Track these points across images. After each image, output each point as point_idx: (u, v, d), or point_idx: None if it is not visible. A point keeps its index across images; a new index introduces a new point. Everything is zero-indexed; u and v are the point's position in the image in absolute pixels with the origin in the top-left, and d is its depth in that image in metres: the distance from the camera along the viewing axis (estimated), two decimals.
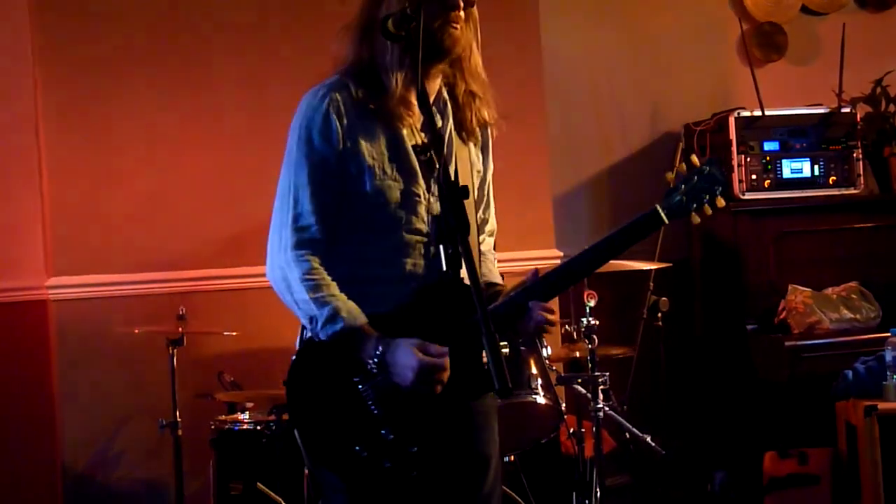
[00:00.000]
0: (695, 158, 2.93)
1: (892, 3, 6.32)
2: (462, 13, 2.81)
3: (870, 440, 4.60)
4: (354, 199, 2.84)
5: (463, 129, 2.98)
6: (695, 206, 2.90)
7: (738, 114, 5.49)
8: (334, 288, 2.80)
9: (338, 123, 2.82)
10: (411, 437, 2.79)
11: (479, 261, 3.04)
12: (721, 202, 2.92)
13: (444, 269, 2.48)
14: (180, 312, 4.80)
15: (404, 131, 2.86)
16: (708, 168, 2.92)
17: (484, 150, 3.09)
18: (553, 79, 5.75)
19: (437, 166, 2.72)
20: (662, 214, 2.89)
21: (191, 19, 5.24)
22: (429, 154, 2.87)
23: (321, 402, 2.82)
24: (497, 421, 3.07)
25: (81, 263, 5.09)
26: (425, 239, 2.88)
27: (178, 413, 4.77)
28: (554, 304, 2.92)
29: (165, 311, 4.92)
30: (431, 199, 2.88)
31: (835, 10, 6.24)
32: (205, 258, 5.23)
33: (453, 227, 2.47)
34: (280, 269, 2.84)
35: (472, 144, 3.02)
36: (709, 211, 2.91)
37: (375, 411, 2.78)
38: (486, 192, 3.11)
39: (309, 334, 2.85)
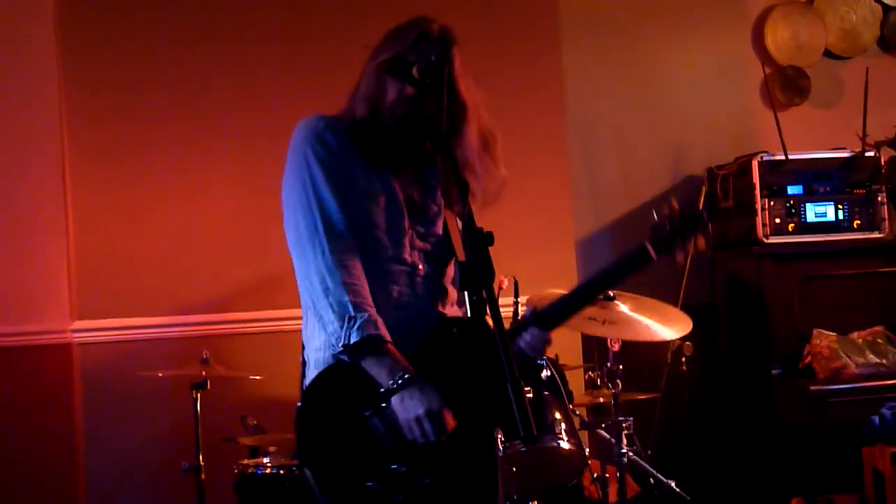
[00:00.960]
0: (674, 201, 2.99)
1: None
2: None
3: None
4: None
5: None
6: (680, 242, 2.96)
7: (762, 157, 5.49)
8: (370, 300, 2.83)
9: (334, 140, 2.91)
10: (422, 469, 2.80)
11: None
12: (701, 244, 3.01)
13: (469, 314, 2.49)
14: (204, 356, 4.81)
15: (393, 170, 2.94)
16: (690, 212, 2.97)
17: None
18: (575, 121, 5.77)
19: (422, 204, 2.91)
20: (651, 251, 2.95)
21: (217, 67, 5.28)
22: (417, 196, 2.96)
23: (330, 439, 2.83)
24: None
25: (106, 307, 5.11)
26: (409, 269, 2.94)
27: (201, 457, 4.77)
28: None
29: (189, 354, 4.92)
30: (414, 235, 2.95)
31: (858, 53, 6.25)
32: (228, 302, 5.25)
33: (478, 275, 2.48)
34: (318, 273, 2.83)
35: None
36: (691, 251, 2.97)
37: (385, 445, 2.79)
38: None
39: (315, 372, 2.87)
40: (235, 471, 4.63)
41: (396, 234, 2.91)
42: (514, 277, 4.52)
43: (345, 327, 2.78)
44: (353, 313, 2.78)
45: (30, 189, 5.21)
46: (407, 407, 2.74)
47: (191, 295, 5.20)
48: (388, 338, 2.79)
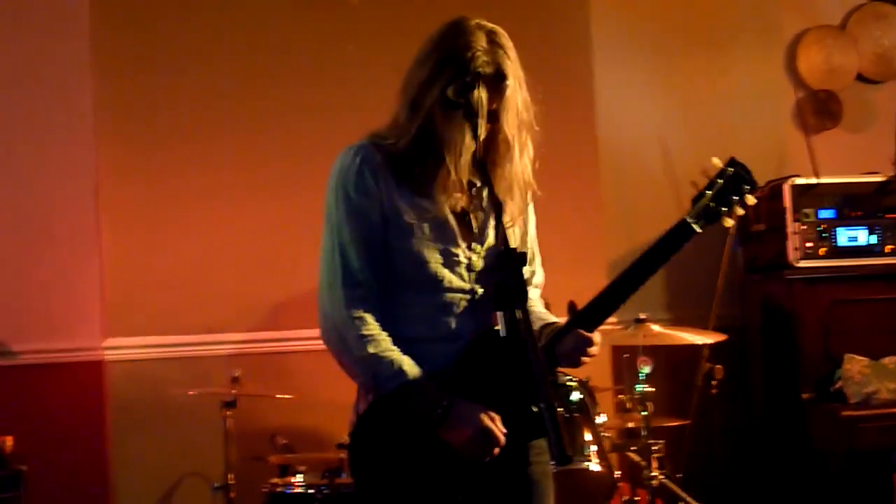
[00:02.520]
0: (715, 160, 2.90)
1: None
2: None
3: None
4: (397, 255, 2.82)
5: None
6: (724, 209, 2.89)
7: (794, 181, 5.46)
8: (392, 343, 2.78)
9: (372, 180, 2.80)
10: (480, 491, 2.76)
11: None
12: (751, 199, 2.90)
13: (503, 335, 2.48)
14: (234, 375, 4.82)
15: (441, 196, 2.82)
16: (732, 168, 2.89)
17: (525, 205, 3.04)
18: (608, 146, 5.77)
19: (478, 225, 2.82)
20: (693, 224, 2.88)
21: (247, 89, 5.32)
22: (467, 217, 2.87)
23: (388, 471, 2.79)
24: (552, 487, 3.04)
25: (137, 325, 5.14)
26: (468, 296, 2.87)
27: (230, 476, 4.78)
28: (597, 336, 2.90)
29: (220, 373, 4.94)
30: (473, 257, 2.87)
31: (890, 78, 6.24)
32: (259, 321, 5.27)
33: (512, 295, 2.47)
34: (335, 329, 2.81)
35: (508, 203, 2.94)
36: (740, 211, 2.89)
37: (449, 477, 2.74)
38: (528, 247, 3.06)
39: (367, 394, 2.83)
40: (265, 490, 4.64)
41: (450, 263, 2.84)
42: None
43: (373, 382, 2.78)
44: (375, 369, 2.75)
45: (64, 211, 5.25)
46: (456, 433, 2.71)
47: (222, 313, 5.22)
48: (417, 373, 2.75)
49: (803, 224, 5.44)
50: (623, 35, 5.91)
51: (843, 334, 5.40)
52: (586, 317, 2.85)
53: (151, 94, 5.23)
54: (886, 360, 5.32)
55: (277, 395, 4.89)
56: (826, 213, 5.50)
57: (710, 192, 2.89)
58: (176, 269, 5.21)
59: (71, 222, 5.25)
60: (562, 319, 2.92)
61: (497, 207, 2.60)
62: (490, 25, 2.82)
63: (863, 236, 5.50)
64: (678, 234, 2.89)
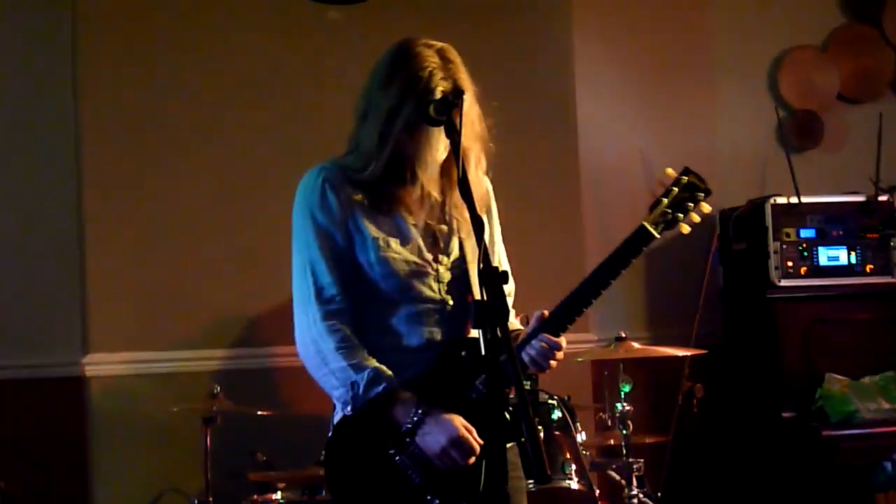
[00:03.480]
0: (670, 170, 2.96)
1: None
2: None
3: None
4: (366, 269, 2.88)
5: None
6: (681, 215, 2.93)
7: (775, 200, 5.48)
8: (367, 353, 2.84)
9: (335, 199, 2.88)
10: (455, 496, 2.80)
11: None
12: (706, 207, 2.95)
13: (484, 353, 2.47)
14: (214, 391, 4.80)
15: (406, 212, 2.91)
16: (686, 177, 2.94)
17: (488, 215, 3.08)
18: (588, 166, 5.76)
19: (442, 238, 2.90)
20: (651, 229, 2.92)
21: (228, 105, 5.32)
22: (432, 231, 2.93)
23: (363, 479, 2.82)
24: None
25: (119, 341, 5.12)
26: (438, 307, 2.92)
27: (210, 493, 4.75)
28: (563, 340, 2.90)
29: (200, 389, 4.92)
30: (441, 269, 2.93)
31: (871, 98, 6.25)
32: (239, 337, 5.25)
33: (493, 313, 2.47)
34: (313, 343, 2.86)
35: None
36: (696, 218, 2.94)
37: (416, 480, 2.79)
38: (494, 253, 3.10)
39: (340, 415, 2.85)
40: None
41: (418, 274, 2.90)
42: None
43: (350, 393, 2.81)
44: (354, 377, 2.80)
45: (44, 225, 5.23)
46: (430, 442, 2.76)
47: (202, 330, 5.21)
48: (393, 383, 2.80)
49: (784, 243, 5.45)
50: (605, 53, 5.91)
51: (823, 353, 5.41)
52: (553, 321, 2.87)
53: (135, 109, 5.23)
54: (866, 380, 5.33)
55: (258, 412, 4.87)
56: (807, 233, 5.50)
57: (667, 200, 2.95)
58: (157, 285, 5.19)
59: (51, 240, 5.22)
60: (524, 328, 2.97)
61: (479, 225, 2.60)
62: (438, 44, 2.89)
63: (843, 256, 5.52)
64: (638, 239, 2.94)
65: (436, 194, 2.93)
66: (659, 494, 4.97)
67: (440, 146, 2.81)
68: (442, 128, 2.74)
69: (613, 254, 2.92)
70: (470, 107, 2.84)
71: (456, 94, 2.72)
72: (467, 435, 2.75)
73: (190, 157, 5.26)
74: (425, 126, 2.78)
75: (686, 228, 2.94)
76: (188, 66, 5.30)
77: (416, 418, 2.77)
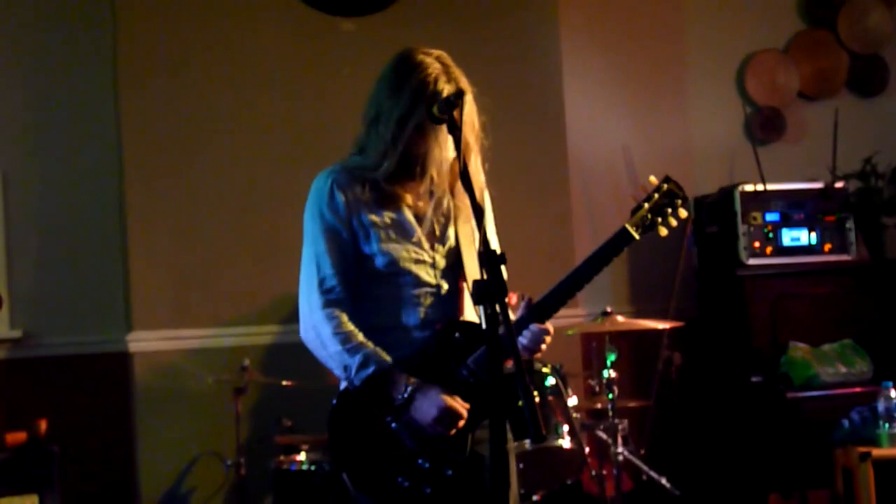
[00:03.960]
0: (652, 178, 2.94)
1: (879, 89, 6.31)
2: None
3: (865, 483, 4.55)
4: (367, 260, 2.90)
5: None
6: (660, 220, 2.90)
7: (743, 188, 5.47)
8: (362, 337, 2.85)
9: (342, 197, 2.89)
10: (445, 462, 2.82)
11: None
12: (683, 213, 2.92)
13: (484, 327, 2.47)
14: (244, 364, 4.81)
15: (399, 201, 2.92)
16: (666, 185, 2.92)
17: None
18: (576, 158, 5.75)
19: (439, 226, 2.90)
20: (632, 231, 2.88)
21: (260, 95, 5.32)
22: (430, 222, 2.94)
23: (361, 442, 2.84)
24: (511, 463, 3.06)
25: (159, 319, 5.13)
26: (434, 290, 2.93)
27: (242, 454, 4.77)
28: (550, 325, 2.90)
29: (231, 362, 4.94)
30: (437, 257, 2.94)
31: (828, 95, 6.24)
32: (266, 315, 5.25)
33: (492, 291, 2.46)
34: (313, 328, 2.88)
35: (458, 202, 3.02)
36: (673, 222, 2.91)
37: (409, 445, 2.81)
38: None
39: (344, 384, 2.87)
40: (272, 467, 4.64)
41: (416, 262, 2.91)
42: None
43: (345, 374, 2.83)
44: (348, 360, 2.82)
45: (91, 213, 5.24)
46: (422, 414, 2.78)
47: (234, 309, 5.22)
48: (387, 362, 2.82)
49: (752, 226, 5.45)
50: (591, 57, 5.90)
51: (787, 324, 5.41)
52: (540, 309, 2.87)
53: (173, 100, 5.21)
54: (826, 347, 5.33)
55: (283, 382, 4.87)
56: (772, 217, 5.50)
57: (647, 205, 2.91)
58: (194, 268, 5.19)
59: (97, 226, 5.23)
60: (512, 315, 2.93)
61: (479, 212, 2.59)
62: (435, 51, 2.90)
63: (805, 237, 5.51)
64: (619, 240, 2.90)
65: (444, 187, 2.94)
66: (642, 452, 4.98)
67: (448, 143, 2.80)
68: (444, 131, 2.75)
69: (597, 252, 2.89)
70: (470, 106, 2.86)
71: (457, 94, 2.71)
72: (455, 405, 2.77)
73: (224, 147, 5.25)
74: (434, 126, 2.79)
75: (664, 231, 2.91)
76: (220, 66, 5.29)
77: (406, 395, 2.79)
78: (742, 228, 5.43)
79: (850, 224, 5.54)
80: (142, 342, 5.12)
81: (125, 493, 5.13)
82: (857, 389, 5.14)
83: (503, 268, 3.06)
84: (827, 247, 5.52)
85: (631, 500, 4.99)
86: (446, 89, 2.79)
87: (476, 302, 2.50)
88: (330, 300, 2.87)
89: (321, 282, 2.88)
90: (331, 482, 4.43)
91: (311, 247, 2.93)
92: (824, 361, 5.24)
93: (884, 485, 4.53)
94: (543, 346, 2.89)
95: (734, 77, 6.19)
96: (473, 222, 2.99)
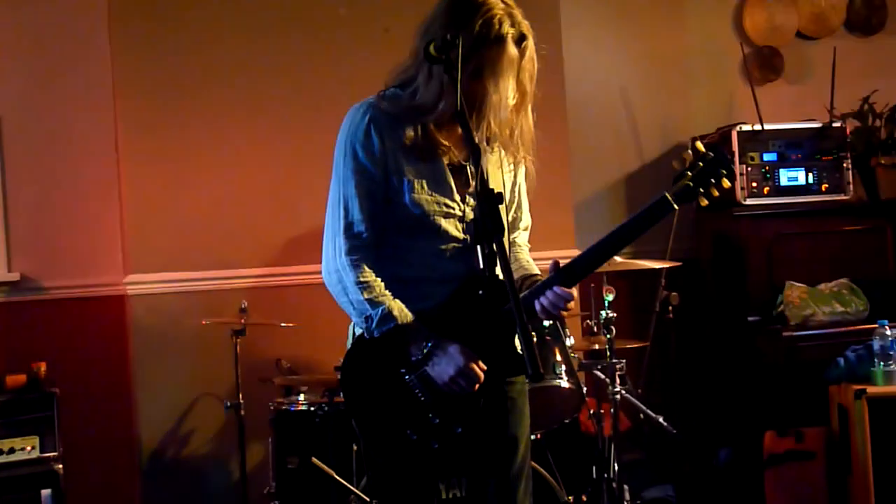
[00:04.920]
0: (699, 145, 2.82)
1: (878, 28, 6.27)
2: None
3: (860, 420, 4.57)
4: (397, 207, 2.79)
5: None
6: (701, 189, 2.78)
7: (740, 128, 5.44)
8: (385, 289, 2.77)
9: (378, 138, 2.76)
10: (455, 419, 2.77)
11: (513, 254, 3.00)
12: (726, 183, 2.80)
13: (482, 266, 2.45)
14: (242, 306, 4.81)
15: (440, 150, 2.80)
16: (712, 154, 2.79)
17: (516, 161, 3.01)
18: (574, 96, 5.71)
19: (474, 177, 2.66)
20: (671, 200, 2.78)
21: (253, 50, 5.26)
22: (464, 170, 2.82)
23: (373, 391, 2.79)
24: (527, 404, 3.03)
25: (155, 262, 5.11)
26: (460, 244, 2.83)
27: (241, 396, 4.78)
28: (575, 291, 2.82)
29: (229, 304, 4.93)
30: (466, 210, 2.83)
31: (826, 35, 6.19)
32: (264, 257, 5.24)
33: (489, 229, 2.44)
34: (336, 272, 2.79)
35: (499, 150, 2.93)
36: (715, 193, 2.79)
37: (422, 398, 2.76)
38: (517, 194, 3.05)
39: (360, 330, 2.83)
40: (271, 408, 4.66)
41: (445, 214, 2.80)
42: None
43: (365, 325, 2.77)
44: (369, 311, 2.74)
45: (86, 161, 5.21)
46: (439, 371, 2.72)
47: (230, 251, 5.20)
48: (408, 317, 2.74)
49: (749, 166, 5.42)
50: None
51: (784, 264, 5.40)
52: (567, 274, 2.77)
53: (167, 44, 5.15)
54: (822, 286, 5.33)
55: (282, 324, 4.87)
56: (769, 157, 5.47)
57: (691, 174, 2.79)
58: (189, 211, 5.17)
59: (94, 171, 5.20)
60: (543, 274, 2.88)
61: (476, 152, 2.55)
62: None
63: (802, 177, 5.49)
64: (657, 209, 2.79)
65: (498, 132, 2.79)
66: (639, 391, 4.98)
67: (509, 88, 2.70)
68: (513, 72, 2.67)
69: (632, 219, 2.80)
70: (530, 52, 2.76)
71: (455, 34, 2.62)
72: (472, 366, 2.70)
73: (218, 93, 5.21)
74: (496, 69, 2.66)
75: (704, 202, 2.79)
76: (215, 7, 5.23)
77: (425, 350, 2.72)
78: (740, 168, 5.40)
79: (847, 164, 5.52)
80: (139, 285, 5.10)
81: (125, 435, 5.14)
82: (853, 328, 5.15)
83: (521, 224, 3.07)
84: (824, 186, 5.51)
85: (628, 438, 5.01)
86: (509, 33, 2.68)
87: (474, 241, 2.47)
88: (356, 246, 2.78)
89: (348, 226, 2.78)
90: (330, 422, 4.44)
91: (341, 187, 2.81)
92: (820, 301, 5.24)
93: (878, 422, 4.56)
94: (564, 312, 2.78)
95: (731, 16, 6.14)
96: (505, 172, 2.94)
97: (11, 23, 5.13)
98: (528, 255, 3.10)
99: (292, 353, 5.02)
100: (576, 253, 5.35)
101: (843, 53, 5.90)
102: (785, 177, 5.47)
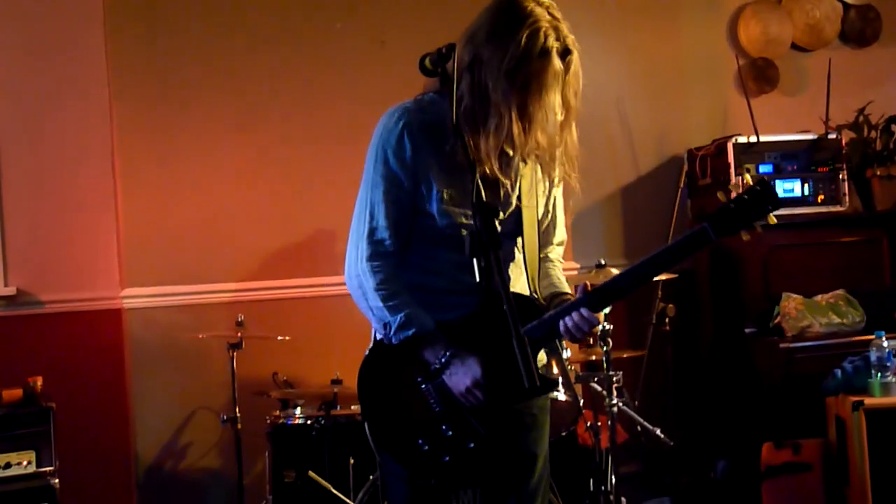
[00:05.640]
0: (748, 177, 2.71)
1: (872, 40, 6.28)
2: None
3: (857, 432, 4.56)
4: (425, 217, 2.77)
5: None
6: (743, 223, 2.65)
7: (736, 140, 5.44)
8: (406, 296, 2.76)
9: (410, 145, 2.71)
10: (468, 434, 2.75)
11: (545, 269, 2.98)
12: (772, 220, 2.68)
13: (478, 280, 2.44)
14: (239, 319, 4.81)
15: (481, 165, 2.69)
16: (759, 187, 2.64)
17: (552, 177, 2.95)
18: None
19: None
20: (711, 233, 2.65)
21: (249, 67, 5.28)
22: (497, 183, 2.76)
23: (388, 398, 2.79)
24: (548, 420, 3.00)
25: (152, 276, 5.11)
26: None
27: (237, 409, 4.78)
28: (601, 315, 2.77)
29: (226, 318, 4.93)
30: (496, 223, 2.69)
31: (821, 46, 6.21)
32: (260, 271, 5.24)
33: (485, 242, 2.43)
34: (357, 277, 2.79)
35: (535, 164, 2.88)
36: (759, 229, 2.66)
37: (437, 409, 2.75)
38: (551, 208, 3.00)
39: (379, 336, 2.82)
40: (268, 421, 4.65)
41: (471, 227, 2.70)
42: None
43: (384, 331, 2.76)
44: (388, 318, 2.73)
45: (84, 175, 5.18)
46: (456, 381, 2.70)
47: (227, 265, 5.20)
48: (427, 326, 2.73)
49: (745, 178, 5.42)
50: (584, 8, 5.84)
51: (781, 275, 5.40)
52: (596, 297, 2.71)
53: (163, 63, 5.16)
54: (819, 298, 5.33)
55: (278, 337, 4.87)
56: (765, 168, 5.48)
57: (735, 206, 2.65)
58: (185, 225, 5.17)
59: (90, 185, 5.18)
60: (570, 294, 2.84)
61: (471, 164, 2.54)
62: (545, 1, 2.71)
63: (797, 188, 5.50)
64: (696, 239, 2.68)
65: (506, 147, 2.71)
66: (636, 403, 4.99)
67: (556, 104, 2.65)
68: (558, 86, 2.63)
69: (668, 248, 2.70)
70: (575, 66, 2.70)
71: (449, 48, 2.62)
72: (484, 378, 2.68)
73: (215, 108, 5.22)
74: (542, 83, 2.62)
75: (746, 237, 2.67)
76: (214, 19, 5.25)
77: (443, 360, 2.71)
78: (735, 180, 5.40)
79: (842, 175, 5.53)
80: (135, 299, 5.10)
81: (122, 449, 5.13)
82: (850, 339, 5.14)
83: (555, 239, 3.05)
84: (820, 198, 5.51)
85: (625, 450, 5.01)
86: (554, 47, 2.63)
87: (470, 254, 2.46)
88: (378, 252, 2.76)
89: (372, 231, 2.76)
90: (327, 435, 4.44)
91: (368, 192, 2.78)
92: (817, 312, 5.24)
93: (876, 434, 4.54)
94: (589, 336, 2.76)
95: (726, 28, 6.16)
96: (540, 188, 2.89)
97: (6, 36, 5.12)
98: (560, 271, 3.04)
99: (289, 366, 5.01)
100: (574, 265, 5.42)
101: (838, 65, 5.90)
102: (781, 188, 5.47)
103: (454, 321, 2.76)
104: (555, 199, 3.01)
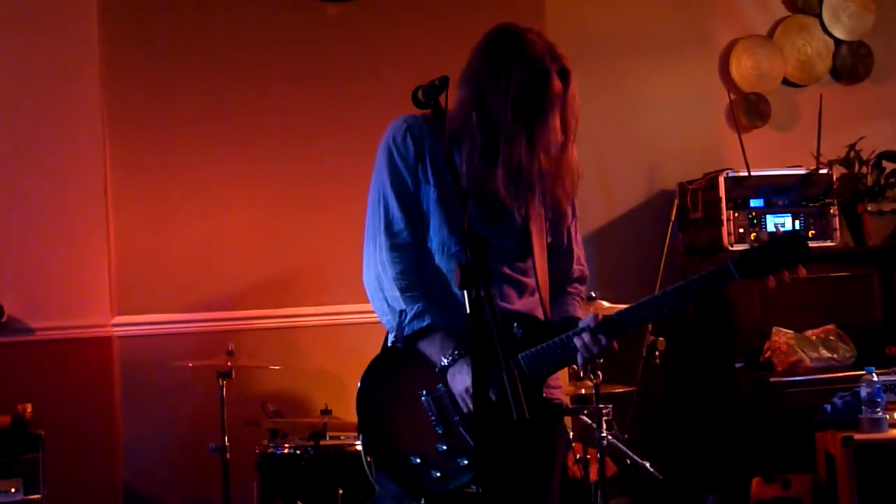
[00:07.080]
0: (779, 229, 2.79)
1: (863, 76, 6.33)
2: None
3: (847, 468, 4.56)
4: (425, 217, 2.84)
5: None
6: (767, 269, 2.67)
7: (727, 174, 5.48)
8: (424, 290, 2.80)
9: (414, 146, 2.81)
10: (461, 451, 2.76)
11: (566, 305, 3.00)
12: (802, 272, 2.67)
13: (468, 311, 2.45)
14: (229, 348, 4.80)
15: (483, 189, 2.78)
16: (788, 238, 2.68)
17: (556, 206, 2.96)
18: None
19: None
20: (734, 270, 2.69)
21: (239, 90, 5.30)
22: (497, 202, 2.80)
23: (386, 407, 2.81)
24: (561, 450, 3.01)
25: (143, 304, 5.12)
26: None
27: (226, 438, 4.76)
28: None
29: (216, 346, 4.92)
30: (493, 236, 2.78)
31: (813, 82, 6.25)
32: (251, 299, 5.25)
33: (476, 275, 2.45)
34: (374, 269, 2.83)
35: (540, 188, 2.87)
36: (787, 279, 2.67)
37: (433, 422, 2.76)
38: (565, 241, 3.03)
39: (391, 334, 2.84)
40: (257, 451, 4.64)
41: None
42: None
43: (398, 321, 2.78)
44: (403, 307, 2.77)
45: (75, 200, 5.21)
46: (458, 380, 2.72)
47: (217, 293, 5.21)
48: (438, 321, 2.77)
49: (736, 212, 5.45)
50: (576, 41, 5.87)
51: (771, 310, 5.41)
52: (608, 326, 2.73)
53: (157, 92, 5.19)
54: (809, 333, 5.34)
55: (268, 366, 4.87)
56: (756, 202, 5.50)
57: (760, 250, 2.69)
58: (177, 254, 5.18)
59: (82, 212, 5.21)
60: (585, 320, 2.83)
61: (462, 194, 2.57)
62: (534, 29, 2.80)
63: (788, 223, 5.52)
64: (718, 277, 2.71)
65: (546, 167, 2.77)
66: (626, 436, 4.98)
67: (557, 128, 2.73)
68: (559, 106, 2.70)
69: (689, 282, 2.73)
70: (573, 87, 2.77)
71: (442, 80, 2.65)
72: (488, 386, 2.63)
73: (208, 136, 5.25)
74: (542, 106, 2.70)
75: (772, 284, 2.67)
76: (208, 50, 5.28)
77: (451, 358, 2.73)
78: (726, 214, 5.43)
79: (833, 210, 5.55)
80: (125, 327, 5.10)
81: (110, 477, 5.12)
82: (840, 374, 5.15)
83: (574, 269, 3.06)
84: (811, 233, 5.52)
85: (614, 483, 5.01)
86: (554, 68, 2.71)
87: (460, 286, 2.47)
88: (397, 244, 2.82)
89: (389, 223, 2.82)
90: (316, 465, 4.43)
91: (379, 186, 2.85)
92: (808, 347, 5.26)
93: (865, 469, 4.55)
94: (589, 361, 2.74)
95: (718, 63, 6.20)
96: (544, 213, 2.91)
97: None
98: (577, 302, 3.06)
99: (279, 395, 5.01)
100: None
101: (830, 101, 5.95)
102: (772, 223, 5.49)
103: (460, 331, 2.76)
104: (567, 230, 3.04)
